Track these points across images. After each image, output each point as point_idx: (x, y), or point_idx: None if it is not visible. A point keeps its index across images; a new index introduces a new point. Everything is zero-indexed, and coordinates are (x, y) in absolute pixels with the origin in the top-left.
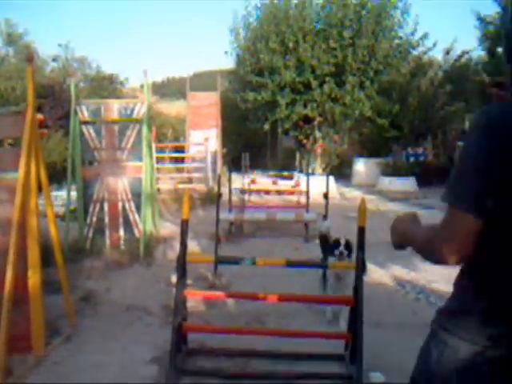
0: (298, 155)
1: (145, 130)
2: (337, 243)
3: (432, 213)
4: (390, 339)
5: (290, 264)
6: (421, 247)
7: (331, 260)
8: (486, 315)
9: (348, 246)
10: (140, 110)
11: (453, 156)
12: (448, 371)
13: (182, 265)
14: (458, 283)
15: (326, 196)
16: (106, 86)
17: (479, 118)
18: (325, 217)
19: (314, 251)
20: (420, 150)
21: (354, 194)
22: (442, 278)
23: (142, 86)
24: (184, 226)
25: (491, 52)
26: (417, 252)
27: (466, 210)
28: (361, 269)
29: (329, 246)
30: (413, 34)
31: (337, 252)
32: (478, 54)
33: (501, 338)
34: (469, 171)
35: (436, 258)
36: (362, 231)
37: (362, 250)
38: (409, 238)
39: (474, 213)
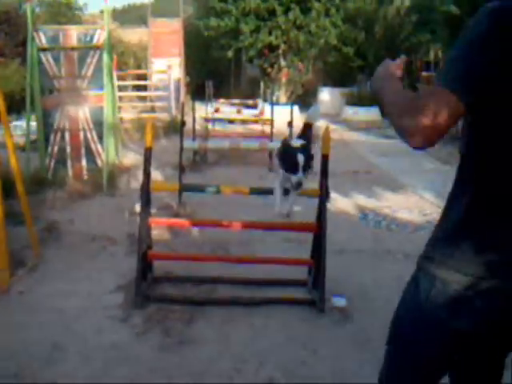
0: (262, 84)
1: (105, 57)
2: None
3: (395, 143)
4: (352, 265)
5: (255, 191)
6: (390, 108)
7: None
8: (479, 237)
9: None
10: (100, 37)
11: (417, 86)
12: (437, 308)
13: (145, 193)
14: (447, 205)
15: (290, 124)
16: (64, 12)
17: (481, 10)
18: None
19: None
20: None
21: (318, 123)
22: (403, 207)
23: (101, 12)
24: (147, 154)
25: None
26: (384, 111)
27: (453, 89)
28: (324, 195)
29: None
30: None
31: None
32: None
33: (496, 267)
34: (465, 52)
35: (403, 129)
36: (325, 159)
37: (325, 178)
38: (384, 89)
39: (462, 95)
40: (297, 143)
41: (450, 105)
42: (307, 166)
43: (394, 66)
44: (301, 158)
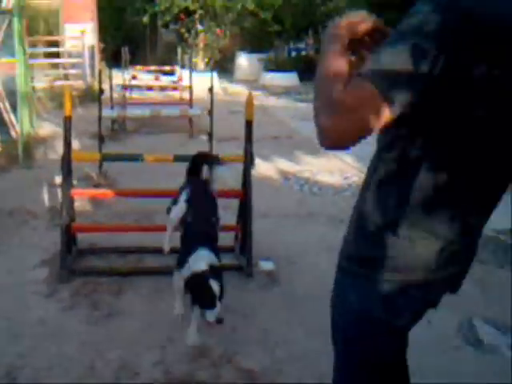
0: (179, 50)
1: (16, 22)
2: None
3: (311, 105)
4: (277, 229)
5: (179, 159)
6: (315, 89)
7: None
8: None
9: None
10: (9, 0)
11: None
12: (374, 308)
13: (66, 163)
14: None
15: (210, 90)
16: None
17: None
18: (210, 112)
19: (200, 146)
20: (302, 45)
21: (237, 89)
22: (325, 170)
23: None
24: (67, 123)
25: None
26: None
27: (383, 90)
28: (249, 162)
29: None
30: None
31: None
32: None
33: (436, 267)
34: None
35: (317, 123)
36: (249, 125)
37: (249, 144)
38: (320, 59)
39: (394, 98)
40: (203, 266)
41: (377, 108)
42: (222, 295)
43: (345, 25)
44: (215, 286)
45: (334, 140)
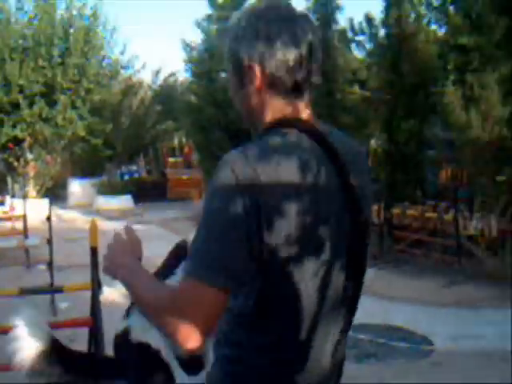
0: (9, 179)
1: None
2: None
3: (149, 227)
4: None
5: (25, 292)
6: (143, 308)
7: None
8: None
9: None
10: None
11: (165, 171)
12: None
13: None
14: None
15: (48, 219)
16: None
17: (224, 174)
18: (49, 241)
19: (39, 277)
20: (134, 168)
21: (72, 216)
22: None
23: None
24: None
25: (196, 74)
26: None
27: (214, 283)
28: (96, 288)
29: None
30: (122, 54)
31: None
32: (185, 75)
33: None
34: (219, 237)
35: (169, 335)
36: (94, 251)
37: (96, 270)
38: (129, 284)
39: (226, 284)
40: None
41: (210, 300)
42: None
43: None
44: None
45: (190, 346)
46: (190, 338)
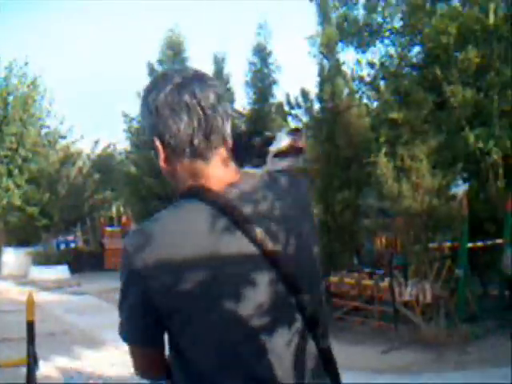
0: None
1: None
2: None
3: (85, 298)
4: None
5: None
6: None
7: None
8: None
9: None
10: None
11: (102, 241)
12: None
13: None
14: None
15: None
16: None
17: (123, 261)
18: None
19: None
20: (71, 237)
21: (5, 287)
22: (105, 363)
23: None
24: None
25: (135, 144)
26: None
27: (135, 343)
28: (33, 364)
29: None
30: (62, 123)
31: None
32: (124, 145)
33: None
34: (129, 311)
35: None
36: (30, 325)
37: (32, 345)
38: None
39: (144, 344)
40: None
41: (144, 356)
42: None
43: None
44: None
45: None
46: (141, 376)
